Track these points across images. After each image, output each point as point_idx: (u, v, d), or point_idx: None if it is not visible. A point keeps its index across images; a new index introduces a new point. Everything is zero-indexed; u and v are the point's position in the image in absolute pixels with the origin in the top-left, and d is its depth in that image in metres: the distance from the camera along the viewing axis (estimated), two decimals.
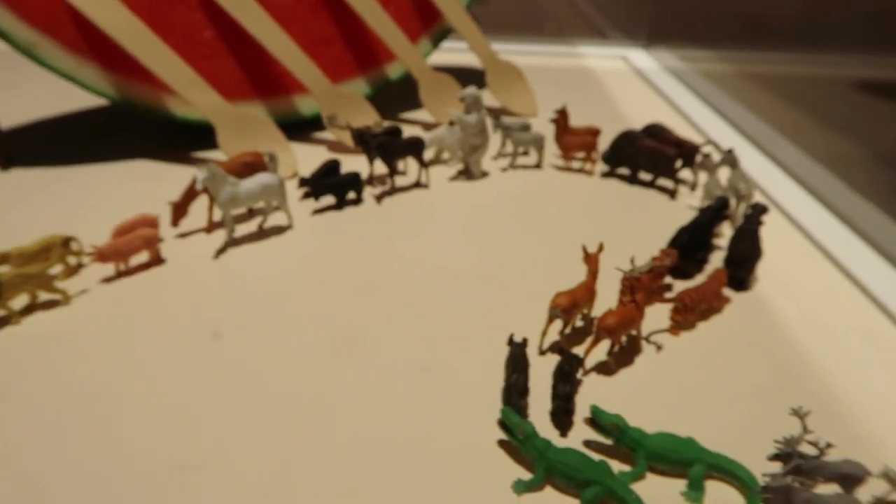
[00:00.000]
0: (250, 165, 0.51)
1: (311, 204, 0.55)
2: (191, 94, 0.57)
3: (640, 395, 0.36)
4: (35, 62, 0.55)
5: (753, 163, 0.67)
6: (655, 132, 0.62)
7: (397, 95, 0.76)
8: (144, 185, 0.57)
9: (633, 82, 0.93)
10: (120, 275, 0.45)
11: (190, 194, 0.48)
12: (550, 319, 0.38)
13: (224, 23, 0.62)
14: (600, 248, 0.41)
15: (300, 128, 0.68)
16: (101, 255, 0.43)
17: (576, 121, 0.67)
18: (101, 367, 0.37)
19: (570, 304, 0.38)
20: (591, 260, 0.40)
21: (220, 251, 0.48)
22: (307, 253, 0.49)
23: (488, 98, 0.76)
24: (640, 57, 1.04)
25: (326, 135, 0.67)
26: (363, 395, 0.36)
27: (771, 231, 0.51)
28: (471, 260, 0.48)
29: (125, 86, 0.58)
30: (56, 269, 0.44)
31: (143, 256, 0.46)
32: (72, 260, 0.44)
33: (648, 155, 0.59)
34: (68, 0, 0.54)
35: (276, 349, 0.39)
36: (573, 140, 0.61)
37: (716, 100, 0.83)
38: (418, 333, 0.41)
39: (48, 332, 0.40)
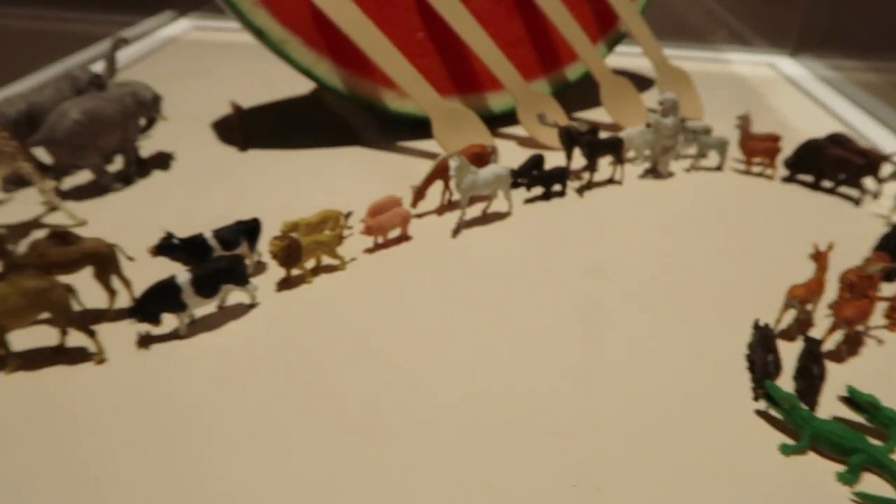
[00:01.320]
0: (478, 156, 0.56)
1: (522, 193, 0.60)
2: (413, 89, 0.64)
3: (867, 382, 0.40)
4: (282, 58, 0.63)
5: None
6: (840, 141, 0.65)
7: (573, 95, 0.80)
8: (365, 168, 0.64)
9: (784, 89, 0.95)
10: (377, 247, 0.51)
11: (429, 180, 0.54)
12: (785, 308, 0.42)
13: (433, 25, 0.68)
14: (830, 246, 0.45)
15: (489, 122, 0.73)
16: (369, 230, 0.49)
17: (732, 124, 0.70)
18: (377, 319, 0.44)
19: (806, 296, 0.42)
20: (822, 257, 0.44)
21: (456, 231, 0.54)
22: (527, 236, 0.54)
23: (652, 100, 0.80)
24: (788, 64, 1.05)
25: (514, 130, 0.73)
26: (618, 362, 0.41)
27: None
28: (666, 253, 0.53)
29: (351, 80, 0.65)
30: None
31: (394, 232, 0.52)
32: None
33: (835, 163, 0.62)
34: (315, 1, 0.61)
35: (525, 322, 0.44)
36: (758, 145, 0.65)
37: (875, 109, 0.85)
38: (651, 312, 0.45)
39: (332, 288, 0.47)
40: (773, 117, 0.83)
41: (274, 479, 0.33)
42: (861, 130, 0.79)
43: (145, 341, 0.40)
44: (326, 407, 0.37)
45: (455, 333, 0.43)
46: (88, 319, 0.39)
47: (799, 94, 0.94)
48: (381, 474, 0.33)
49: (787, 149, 0.67)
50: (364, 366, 0.40)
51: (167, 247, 0.42)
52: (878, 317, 0.46)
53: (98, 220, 0.53)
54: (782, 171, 0.66)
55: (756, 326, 0.40)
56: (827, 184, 0.64)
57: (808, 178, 0.65)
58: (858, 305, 0.41)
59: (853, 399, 0.36)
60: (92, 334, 0.38)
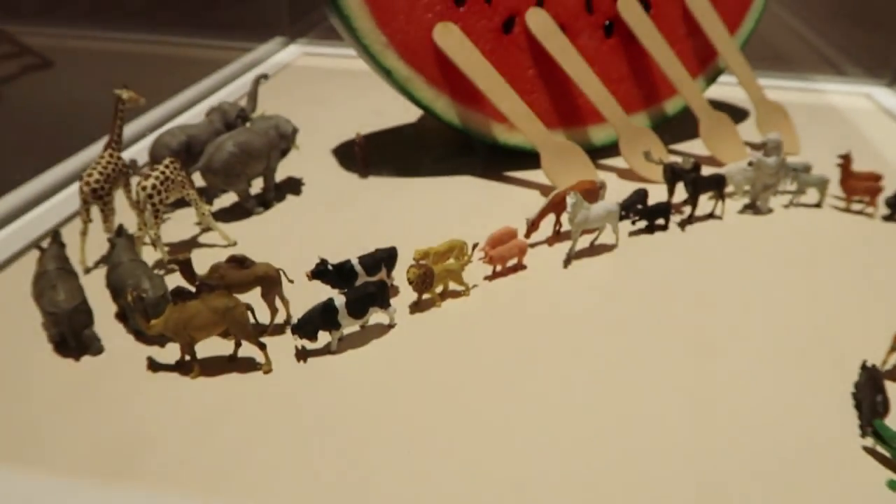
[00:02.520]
0: (589, 192, 0.60)
1: (627, 225, 0.64)
2: (524, 125, 0.68)
3: None
4: (404, 94, 0.68)
5: None
6: None
7: (671, 126, 0.83)
8: (477, 196, 0.69)
9: (882, 121, 0.95)
10: (496, 275, 0.56)
11: (543, 213, 0.59)
12: (892, 349, 0.45)
13: (543, 62, 0.72)
14: None
15: (592, 153, 0.77)
16: (491, 260, 0.54)
17: (831, 159, 0.72)
18: (501, 341, 0.48)
19: None
20: None
21: (567, 261, 0.58)
22: (633, 267, 0.58)
23: (755, 134, 0.82)
24: (886, 95, 1.05)
25: (614, 161, 0.76)
26: (728, 393, 0.44)
27: None
28: (768, 288, 0.55)
29: (465, 115, 0.70)
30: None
31: (512, 261, 0.57)
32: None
33: None
34: (437, 43, 0.67)
35: (636, 348, 0.48)
36: (858, 184, 0.67)
37: None
38: (757, 345, 0.48)
39: (458, 312, 0.51)
40: (870, 151, 0.84)
41: (424, 481, 0.38)
42: None
43: (302, 355, 0.46)
44: (461, 417, 0.42)
45: (570, 358, 0.47)
46: (258, 334, 0.45)
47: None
48: (517, 488, 0.38)
49: (889, 186, 0.68)
50: (491, 382, 0.45)
51: (322, 272, 0.48)
52: None
53: (244, 240, 0.60)
54: (883, 210, 0.67)
55: (864, 367, 0.43)
56: None
57: None
58: None
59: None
60: (263, 347, 0.44)
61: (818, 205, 0.69)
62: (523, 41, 0.71)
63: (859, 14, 1.15)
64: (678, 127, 0.81)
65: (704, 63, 0.81)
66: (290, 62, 1.13)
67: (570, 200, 0.55)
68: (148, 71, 0.96)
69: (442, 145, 0.80)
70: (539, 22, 0.71)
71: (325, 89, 0.97)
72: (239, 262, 0.46)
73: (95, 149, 0.77)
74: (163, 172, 0.53)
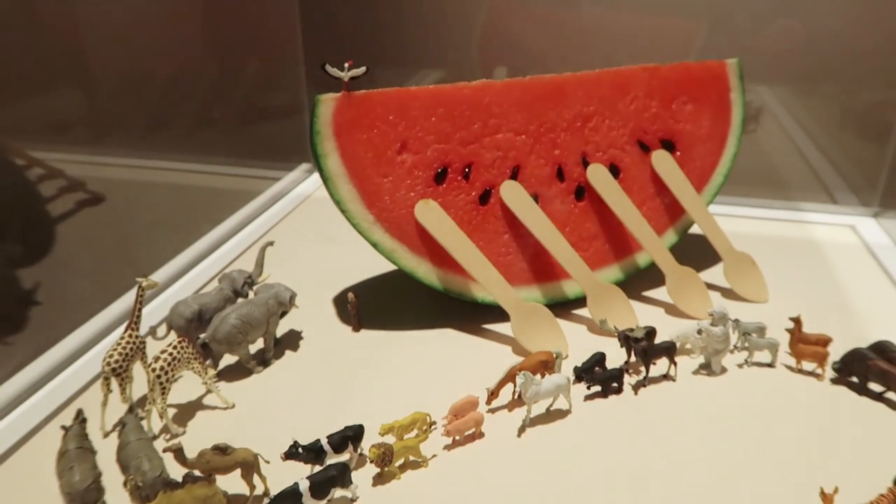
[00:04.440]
0: (544, 363, 0.67)
1: (582, 388, 0.70)
2: (496, 292, 0.76)
3: None
4: (392, 262, 0.77)
5: None
6: (884, 349, 0.70)
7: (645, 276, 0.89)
8: (453, 353, 0.76)
9: (862, 258, 1.00)
10: (455, 444, 0.63)
11: (501, 384, 0.66)
12: None
13: (517, 227, 0.80)
14: (836, 491, 0.52)
15: (565, 305, 0.84)
16: (448, 432, 0.61)
17: (804, 306, 0.78)
18: None
19: None
20: (828, 500, 0.51)
21: (521, 430, 0.65)
22: (582, 433, 0.64)
23: (720, 281, 0.88)
24: (871, 228, 1.09)
25: (585, 312, 0.83)
26: None
27: None
28: (709, 454, 0.61)
29: (446, 278, 0.79)
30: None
31: (469, 431, 0.64)
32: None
33: (879, 374, 0.67)
34: (418, 219, 0.76)
35: None
36: (806, 350, 0.71)
37: None
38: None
39: (417, 482, 0.58)
40: (841, 294, 0.88)
41: None
42: None
43: None
44: None
45: None
46: None
47: (874, 263, 0.98)
48: None
49: (853, 333, 0.73)
50: None
51: (293, 453, 0.56)
52: None
53: (241, 400, 0.69)
54: (831, 373, 0.72)
55: None
56: (875, 388, 0.69)
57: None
58: None
59: None
60: None
61: (771, 364, 0.74)
62: (499, 210, 0.80)
63: (848, 139, 1.20)
64: (655, 275, 0.87)
65: (674, 218, 0.88)
66: (312, 193, 1.25)
67: (519, 380, 0.62)
68: (181, 203, 1.08)
69: (428, 297, 0.88)
70: (512, 194, 0.79)
71: (335, 224, 1.05)
72: (222, 450, 0.54)
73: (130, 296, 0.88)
74: (171, 354, 0.63)
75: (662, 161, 0.86)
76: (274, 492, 0.54)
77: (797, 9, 1.10)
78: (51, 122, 0.82)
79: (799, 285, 0.90)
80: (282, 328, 0.79)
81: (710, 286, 0.88)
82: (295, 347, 0.78)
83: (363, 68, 0.74)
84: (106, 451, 0.59)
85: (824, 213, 1.15)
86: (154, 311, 0.85)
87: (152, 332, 0.71)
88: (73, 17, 0.84)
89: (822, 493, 0.52)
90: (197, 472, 0.54)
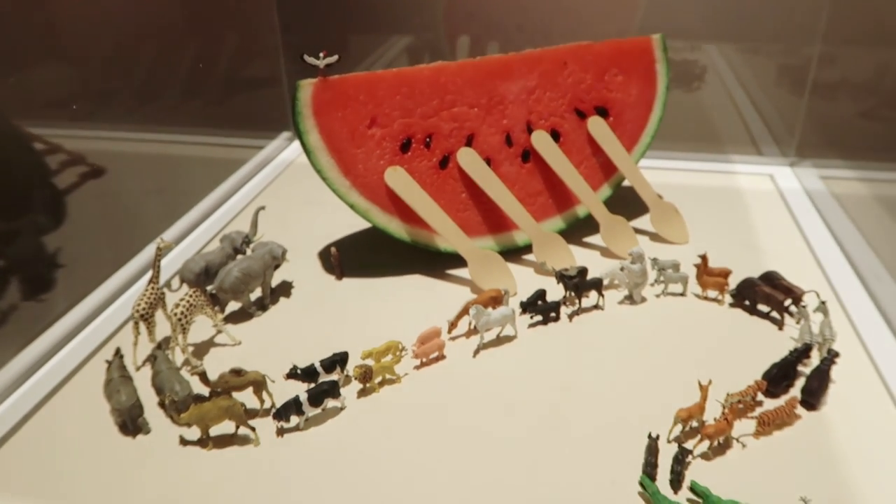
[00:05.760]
0: (494, 299, 0.83)
1: (527, 318, 0.85)
2: (455, 241, 0.91)
3: (727, 477, 0.63)
4: (368, 221, 0.91)
5: (852, 294, 0.89)
6: (771, 278, 0.86)
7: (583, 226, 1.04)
8: (421, 294, 0.91)
9: (774, 204, 1.15)
10: (423, 365, 0.78)
11: (458, 316, 0.81)
12: (674, 424, 0.66)
13: (472, 187, 0.95)
14: (709, 382, 0.68)
15: (516, 252, 0.99)
16: (417, 355, 0.77)
17: (719, 245, 0.94)
18: (425, 417, 0.70)
19: (688, 417, 0.65)
20: (704, 389, 0.67)
21: (476, 352, 0.80)
22: (525, 354, 0.80)
23: (648, 227, 1.03)
24: (786, 175, 1.24)
25: (532, 257, 0.98)
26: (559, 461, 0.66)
27: (848, 364, 0.74)
28: (635, 365, 0.77)
29: (413, 232, 0.93)
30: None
31: (434, 354, 0.79)
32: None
33: (764, 298, 0.83)
34: (388, 183, 0.90)
35: (505, 425, 0.70)
36: (710, 281, 0.87)
37: (840, 227, 1.03)
38: (598, 417, 0.70)
39: (393, 395, 0.74)
40: (753, 238, 1.04)
41: None
42: (819, 255, 0.99)
43: (280, 432, 0.69)
44: (398, 472, 0.64)
45: (475, 427, 0.69)
46: (249, 419, 0.68)
47: (785, 211, 1.13)
48: None
49: (747, 271, 0.89)
50: (417, 448, 0.67)
51: (293, 374, 0.71)
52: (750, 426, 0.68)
53: (246, 338, 0.83)
54: (729, 299, 0.88)
55: (649, 437, 0.64)
56: (763, 309, 0.86)
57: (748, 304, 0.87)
58: (718, 426, 0.64)
59: (694, 489, 0.60)
60: (253, 429, 0.67)
61: (683, 294, 0.90)
62: (456, 173, 0.94)
63: (775, 93, 1.34)
64: (592, 223, 1.02)
65: (608, 175, 1.03)
66: (295, 159, 1.37)
67: (472, 312, 0.77)
68: (176, 173, 1.20)
69: (399, 249, 1.02)
70: (468, 159, 0.93)
71: (316, 188, 1.19)
72: (237, 372, 0.69)
73: (146, 255, 1.01)
74: (188, 301, 0.77)
75: (597, 126, 1.00)
76: (279, 403, 0.69)
77: None
78: (42, 98, 0.90)
79: (717, 229, 1.06)
80: (276, 279, 0.93)
81: (639, 232, 1.03)
82: (288, 295, 0.92)
83: (336, 56, 0.86)
84: (139, 380, 0.74)
85: (749, 165, 1.30)
86: (165, 268, 0.99)
87: (168, 284, 0.85)
88: None
89: (699, 385, 0.68)
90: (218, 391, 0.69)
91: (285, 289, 0.94)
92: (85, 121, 0.99)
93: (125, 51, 1.05)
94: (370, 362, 0.75)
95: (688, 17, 1.32)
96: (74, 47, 0.95)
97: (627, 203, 1.06)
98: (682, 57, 1.31)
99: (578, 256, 0.97)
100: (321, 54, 0.85)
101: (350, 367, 0.75)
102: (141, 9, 1.08)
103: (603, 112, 1.02)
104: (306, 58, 0.85)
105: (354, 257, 0.99)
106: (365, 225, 1.06)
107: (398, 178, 0.90)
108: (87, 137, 0.98)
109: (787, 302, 0.83)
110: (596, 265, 0.94)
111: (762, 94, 1.35)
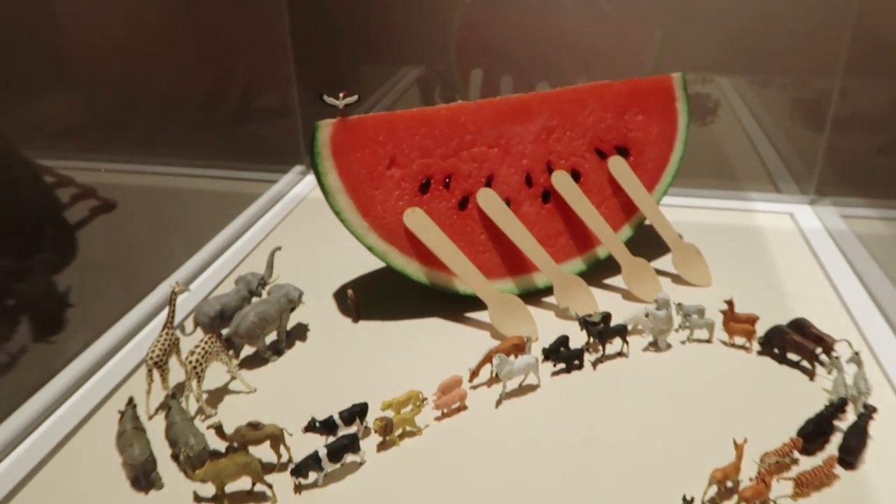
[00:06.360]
0: (517, 346, 0.80)
1: (550, 366, 0.83)
2: (474, 284, 0.89)
3: None
4: (386, 263, 0.89)
5: (883, 341, 0.86)
6: (800, 325, 0.84)
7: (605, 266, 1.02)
8: (440, 339, 0.89)
9: (795, 244, 1.13)
10: (444, 416, 0.76)
11: (480, 365, 0.79)
12: (709, 484, 0.63)
13: (491, 228, 0.93)
14: (745, 441, 0.65)
15: (536, 294, 0.97)
16: (438, 406, 0.74)
17: (742, 287, 0.92)
18: (446, 470, 0.67)
19: (724, 477, 0.63)
20: (739, 448, 0.65)
21: (498, 402, 0.78)
22: (549, 403, 0.77)
23: (670, 268, 1.01)
24: (806, 213, 1.23)
25: (552, 300, 0.96)
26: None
27: (885, 419, 0.72)
28: (659, 415, 0.74)
29: (431, 274, 0.91)
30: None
31: (456, 404, 0.77)
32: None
33: (794, 346, 0.81)
34: (406, 225, 0.88)
35: (546, 472, 0.67)
36: (737, 327, 0.85)
37: (865, 269, 1.01)
38: (633, 473, 0.67)
39: (413, 447, 0.71)
40: (776, 279, 1.02)
41: None
42: (845, 299, 0.97)
43: (298, 489, 0.67)
44: None
45: (498, 480, 0.66)
46: (265, 474, 0.66)
47: (807, 250, 1.11)
48: None
49: (772, 319, 0.87)
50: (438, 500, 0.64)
51: (312, 427, 0.69)
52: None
53: (262, 385, 0.81)
54: (757, 346, 0.86)
55: (683, 499, 0.62)
56: (793, 357, 0.83)
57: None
58: (756, 488, 0.61)
59: None
60: (270, 486, 0.65)
61: (709, 340, 0.87)
62: (476, 214, 0.92)
63: (792, 129, 1.33)
64: (613, 265, 1.00)
65: (629, 215, 1.01)
66: (308, 195, 1.36)
67: (495, 362, 0.75)
68: (188, 208, 1.19)
69: (417, 291, 1.00)
70: (487, 199, 0.92)
71: (330, 225, 1.16)
72: (254, 426, 0.67)
73: (158, 295, 0.99)
74: (203, 348, 0.75)
75: (618, 166, 0.98)
76: (297, 459, 0.67)
77: (751, 2, 1.21)
78: (51, 128, 0.89)
79: (738, 270, 1.04)
80: (291, 321, 0.91)
81: (661, 273, 1.01)
82: (303, 338, 0.90)
83: (355, 96, 0.85)
84: (151, 430, 0.72)
85: (767, 202, 1.28)
86: (178, 309, 0.97)
87: (181, 327, 0.83)
88: (63, 22, 0.89)
89: (735, 443, 0.65)
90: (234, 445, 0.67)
91: (300, 332, 0.92)
92: (95, 152, 0.97)
93: (136, 82, 1.05)
94: (390, 414, 0.73)
95: (701, 50, 1.31)
96: (85, 77, 0.95)
97: (647, 243, 1.05)
98: (695, 90, 1.30)
99: (599, 299, 0.95)
100: (341, 94, 0.84)
101: (370, 419, 0.73)
102: (152, 39, 1.08)
103: (623, 152, 1.00)
104: (326, 97, 0.84)
105: (371, 299, 0.97)
106: (381, 264, 1.04)
107: (417, 220, 0.89)
108: (97, 170, 0.97)
109: (818, 351, 0.81)
110: (617, 308, 0.92)
111: (778, 130, 1.33)
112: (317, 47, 1.46)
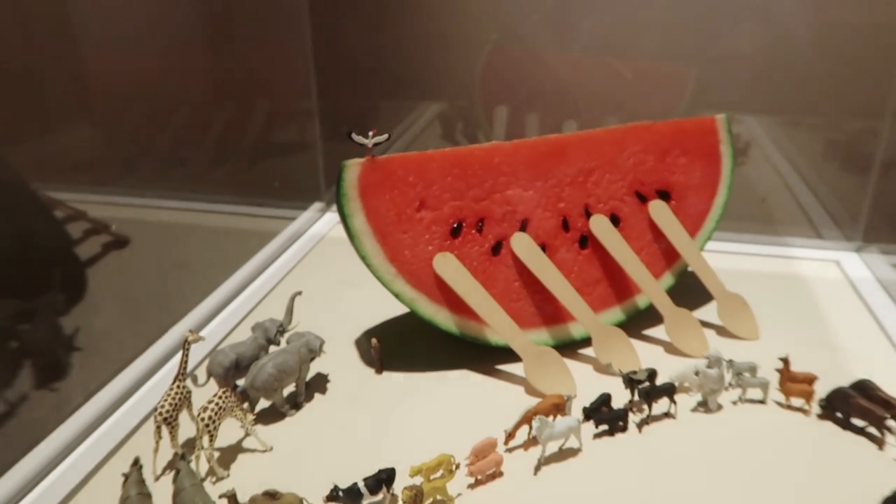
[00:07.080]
0: (556, 406, 0.74)
1: (591, 426, 0.76)
2: (509, 336, 0.83)
3: None
4: (414, 311, 0.84)
5: None
6: (865, 388, 0.77)
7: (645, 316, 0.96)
8: (471, 395, 0.83)
9: (844, 294, 1.07)
10: (478, 483, 0.69)
11: (517, 426, 0.72)
12: None
13: (526, 275, 0.87)
14: None
15: (572, 345, 0.90)
16: (472, 473, 0.68)
17: (791, 342, 0.85)
18: None
19: None
20: None
21: (537, 468, 0.71)
22: (591, 469, 0.70)
23: (714, 319, 0.95)
24: (853, 261, 1.16)
25: (590, 352, 0.89)
26: None
27: None
28: (712, 484, 0.67)
29: (462, 324, 0.85)
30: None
31: (491, 470, 0.70)
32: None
33: (861, 411, 0.74)
34: (436, 271, 0.83)
35: None
36: (794, 388, 0.78)
37: None
38: None
39: None
40: (825, 332, 0.95)
41: None
42: None
43: None
44: None
45: None
46: None
47: (856, 299, 1.05)
48: None
49: (835, 373, 0.80)
50: None
51: (334, 496, 0.62)
52: None
53: (278, 442, 0.75)
54: (816, 409, 0.79)
55: None
56: (857, 423, 0.76)
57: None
58: None
59: None
60: None
61: (762, 401, 0.80)
62: (510, 260, 0.87)
63: (833, 173, 1.27)
64: (654, 314, 0.94)
65: (670, 262, 0.95)
66: (327, 234, 1.31)
67: (535, 425, 0.69)
68: (204, 245, 1.14)
69: (445, 341, 0.94)
70: (522, 245, 0.86)
71: (352, 265, 1.11)
72: (271, 495, 0.60)
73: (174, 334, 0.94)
74: (217, 404, 0.69)
75: (659, 210, 0.93)
76: None
77: (780, 42, 1.17)
78: (65, 162, 0.85)
79: (787, 322, 0.97)
80: (310, 371, 0.85)
81: (705, 324, 0.95)
82: (323, 390, 0.84)
83: (386, 135, 0.80)
84: (158, 493, 0.65)
85: (810, 249, 1.22)
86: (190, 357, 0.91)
87: (193, 378, 0.77)
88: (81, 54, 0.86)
89: None
90: None
91: (320, 383, 0.85)
92: (109, 185, 0.93)
93: (156, 115, 1.01)
94: (419, 481, 0.66)
95: (728, 90, 1.26)
96: (104, 110, 0.91)
97: (690, 292, 0.98)
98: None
99: (640, 352, 0.88)
100: (370, 133, 0.80)
101: (397, 485, 0.66)
102: (174, 72, 1.04)
103: (665, 195, 0.95)
104: (354, 136, 0.79)
105: (396, 347, 0.91)
106: (406, 309, 0.98)
107: (447, 265, 0.83)
108: (111, 204, 0.92)
109: (887, 416, 0.74)
110: (658, 361, 0.85)
111: (813, 172, 1.28)
112: (339, 82, 1.43)
